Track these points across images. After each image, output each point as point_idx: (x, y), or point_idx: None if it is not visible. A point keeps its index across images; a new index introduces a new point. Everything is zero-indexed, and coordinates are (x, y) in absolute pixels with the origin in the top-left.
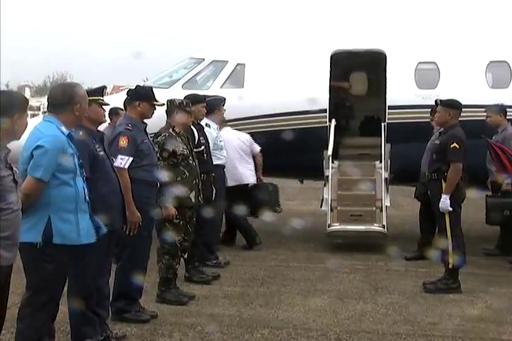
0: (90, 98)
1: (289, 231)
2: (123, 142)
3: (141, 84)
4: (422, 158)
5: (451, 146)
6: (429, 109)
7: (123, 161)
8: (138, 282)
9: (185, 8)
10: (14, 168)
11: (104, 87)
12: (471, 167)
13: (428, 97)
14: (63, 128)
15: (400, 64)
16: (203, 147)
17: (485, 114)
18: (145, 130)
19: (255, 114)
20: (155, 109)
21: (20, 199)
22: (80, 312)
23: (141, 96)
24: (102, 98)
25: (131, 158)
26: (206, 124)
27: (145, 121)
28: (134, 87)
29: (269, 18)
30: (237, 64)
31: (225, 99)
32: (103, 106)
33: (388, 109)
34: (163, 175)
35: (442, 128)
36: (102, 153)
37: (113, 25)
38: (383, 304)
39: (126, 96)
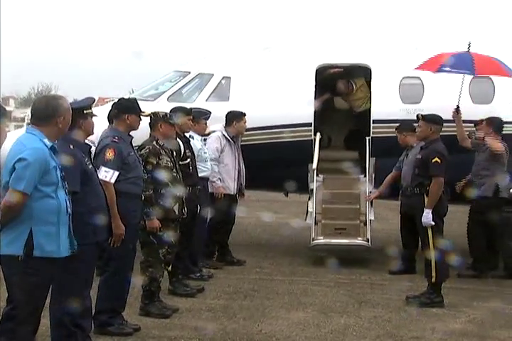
0: (86, 112)
1: (274, 244)
2: (109, 154)
3: (127, 97)
4: (402, 171)
5: (433, 161)
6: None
7: (108, 174)
8: (121, 295)
9: (172, 22)
10: None
11: (93, 100)
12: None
13: (412, 112)
14: (46, 141)
15: (384, 78)
16: (188, 160)
17: (468, 128)
18: (131, 143)
19: None
20: (141, 120)
21: (2, 212)
22: (63, 326)
23: (130, 109)
24: (91, 111)
25: (117, 172)
26: (190, 136)
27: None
28: (118, 100)
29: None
30: (223, 77)
31: (210, 112)
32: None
33: (373, 123)
34: (148, 187)
35: (423, 143)
36: (90, 166)
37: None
38: (367, 318)
39: (112, 109)
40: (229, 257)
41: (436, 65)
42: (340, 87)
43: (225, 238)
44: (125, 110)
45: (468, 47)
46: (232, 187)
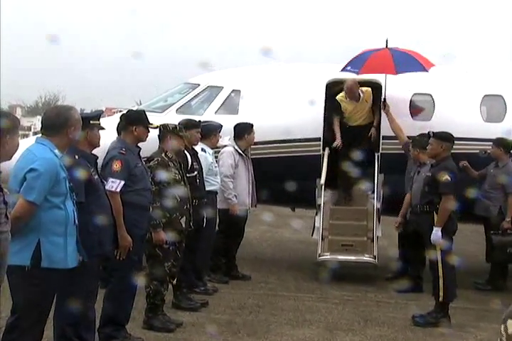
0: (92, 122)
1: (279, 259)
2: (116, 166)
3: (134, 108)
4: (413, 189)
5: (443, 179)
6: None
7: (114, 184)
8: (125, 307)
9: (182, 32)
10: (4, 189)
11: (101, 112)
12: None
13: (422, 129)
14: (56, 151)
15: (395, 94)
16: (195, 172)
17: (478, 147)
18: (139, 154)
19: None
20: (149, 131)
21: (11, 222)
22: (66, 338)
23: (137, 121)
24: (99, 122)
25: (122, 182)
26: (202, 149)
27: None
28: (126, 112)
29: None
30: (233, 90)
31: (221, 125)
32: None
33: (382, 139)
34: (155, 199)
35: (434, 161)
36: (96, 177)
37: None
38: (372, 336)
39: (120, 121)
40: (235, 271)
41: (389, 67)
42: (351, 85)
43: (233, 252)
44: (133, 122)
45: (386, 43)
46: (247, 202)
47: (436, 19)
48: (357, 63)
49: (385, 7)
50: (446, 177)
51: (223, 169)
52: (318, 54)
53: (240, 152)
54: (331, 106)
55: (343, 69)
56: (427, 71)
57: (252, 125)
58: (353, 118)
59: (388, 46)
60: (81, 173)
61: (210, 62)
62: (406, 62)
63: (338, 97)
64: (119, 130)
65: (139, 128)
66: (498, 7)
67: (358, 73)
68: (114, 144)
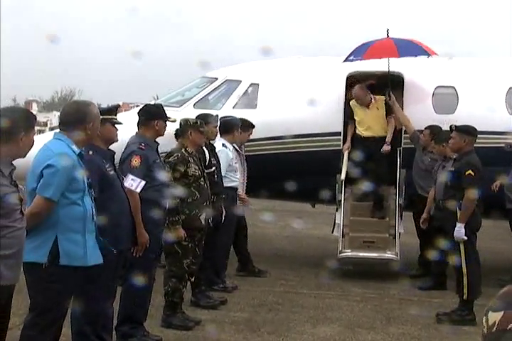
0: (104, 117)
1: (299, 256)
2: (135, 161)
3: (152, 102)
4: (436, 184)
5: (466, 173)
6: None
7: (134, 183)
8: (143, 305)
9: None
10: (20, 186)
11: (117, 106)
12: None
13: (446, 122)
14: (74, 147)
15: (417, 87)
16: (213, 168)
17: (504, 141)
18: (157, 149)
19: (267, 135)
20: (167, 126)
21: (28, 218)
22: (84, 336)
23: (158, 115)
24: (115, 117)
25: (143, 182)
26: (223, 145)
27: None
28: (143, 106)
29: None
30: (251, 84)
31: (241, 120)
32: (115, 126)
33: (404, 133)
34: (174, 196)
35: (456, 155)
36: (112, 172)
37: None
38: (395, 335)
39: (139, 116)
40: (250, 266)
41: (393, 52)
42: (357, 92)
43: (244, 245)
44: (153, 116)
45: (387, 33)
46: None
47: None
48: (359, 51)
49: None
50: (469, 171)
51: (226, 165)
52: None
53: (235, 147)
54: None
55: (346, 60)
56: (430, 55)
57: (243, 124)
58: (364, 124)
59: (389, 36)
60: (93, 169)
61: (228, 58)
62: (408, 46)
63: (351, 102)
64: (138, 125)
65: (160, 123)
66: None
67: (361, 59)
68: (133, 139)
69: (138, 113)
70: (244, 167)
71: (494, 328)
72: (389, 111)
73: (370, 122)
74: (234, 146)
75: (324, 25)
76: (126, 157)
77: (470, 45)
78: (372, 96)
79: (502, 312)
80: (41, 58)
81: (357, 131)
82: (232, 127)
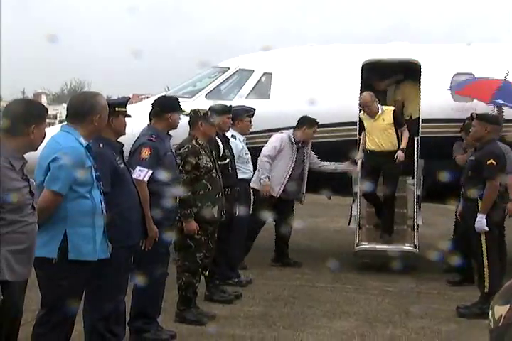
0: (118, 109)
1: (315, 249)
2: (145, 153)
3: (163, 94)
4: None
5: (488, 163)
6: None
7: (142, 173)
8: (156, 300)
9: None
10: (31, 180)
11: (128, 98)
12: None
13: (464, 111)
14: (82, 140)
15: (435, 75)
16: (227, 160)
17: None
18: (169, 142)
19: (281, 126)
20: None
21: (37, 213)
22: (96, 332)
23: (173, 107)
24: (126, 110)
25: (150, 171)
26: (232, 136)
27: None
28: (158, 98)
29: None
30: (264, 73)
31: (254, 109)
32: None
33: (422, 122)
34: (185, 188)
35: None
36: (122, 165)
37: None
38: (414, 329)
39: (153, 107)
40: (285, 258)
41: (487, 95)
42: (365, 98)
43: (285, 238)
44: (168, 109)
45: (506, 76)
46: (276, 190)
47: None
48: (462, 83)
49: None
50: (490, 161)
51: (265, 149)
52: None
53: (293, 140)
54: (368, 87)
55: (450, 88)
56: None
57: (316, 122)
58: (370, 137)
59: (507, 79)
60: (105, 162)
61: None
62: (509, 93)
63: (360, 114)
64: (150, 116)
65: (174, 115)
66: None
67: (454, 92)
68: (144, 131)
69: (152, 104)
70: (295, 164)
71: (501, 322)
72: (399, 123)
73: (376, 134)
74: (292, 139)
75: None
76: (136, 149)
77: (489, 30)
78: (380, 106)
79: (508, 306)
80: (50, 50)
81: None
82: (236, 117)
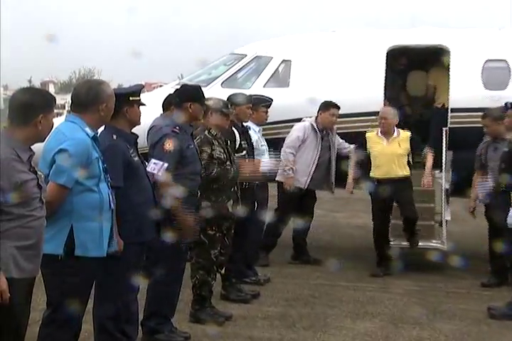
0: (132, 99)
1: (336, 246)
2: (169, 145)
3: (176, 82)
4: (490, 167)
5: None
6: None
7: (156, 166)
8: (171, 299)
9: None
10: (39, 172)
11: (142, 86)
12: None
13: (497, 99)
14: (88, 130)
15: (465, 62)
16: (244, 152)
17: None
18: (192, 134)
19: (301, 115)
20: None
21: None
22: (106, 332)
23: (194, 97)
24: (140, 98)
25: (166, 164)
26: (246, 126)
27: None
28: (181, 87)
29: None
30: (283, 60)
31: (271, 99)
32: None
33: (451, 112)
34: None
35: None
36: (136, 158)
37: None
38: (442, 331)
39: (174, 97)
40: (305, 256)
41: None
42: (385, 112)
43: (302, 235)
44: (187, 98)
45: None
46: (303, 181)
47: None
48: None
49: None
50: None
51: (288, 140)
52: None
53: (316, 129)
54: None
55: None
56: None
57: (331, 104)
58: (377, 162)
59: None
60: (118, 155)
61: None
62: None
63: (368, 133)
64: (164, 106)
65: (195, 106)
66: None
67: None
68: (162, 121)
69: (174, 93)
70: (322, 153)
71: None
72: (415, 149)
73: (385, 160)
74: (315, 128)
75: None
76: (158, 140)
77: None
78: (397, 129)
79: None
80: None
81: (370, 173)
82: (256, 105)
